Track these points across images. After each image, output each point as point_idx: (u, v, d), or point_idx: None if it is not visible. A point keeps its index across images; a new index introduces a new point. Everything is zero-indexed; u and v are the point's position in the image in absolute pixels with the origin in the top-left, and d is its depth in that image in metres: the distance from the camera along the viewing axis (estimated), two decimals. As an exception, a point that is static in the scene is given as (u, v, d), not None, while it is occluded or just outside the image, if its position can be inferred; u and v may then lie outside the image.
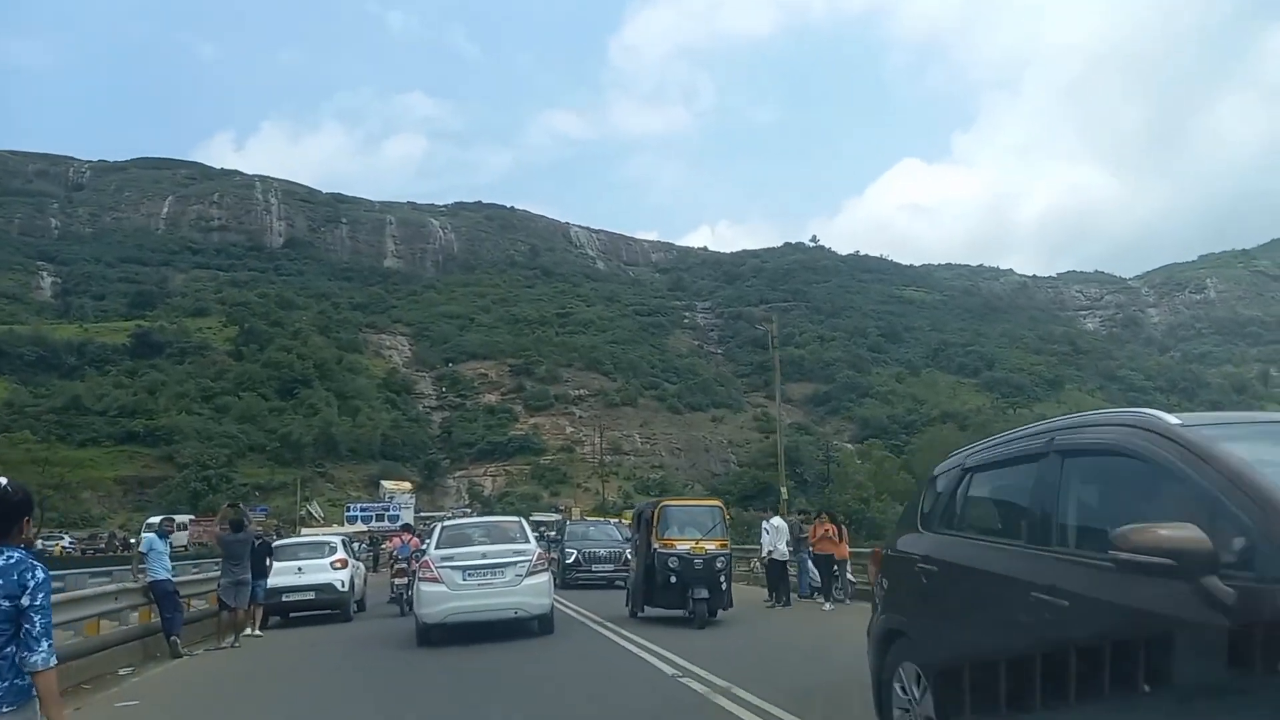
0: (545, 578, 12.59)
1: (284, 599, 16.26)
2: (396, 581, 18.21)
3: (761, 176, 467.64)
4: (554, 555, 22.89)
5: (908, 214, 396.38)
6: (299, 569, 16.52)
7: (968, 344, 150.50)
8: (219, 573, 14.27)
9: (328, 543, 18.26)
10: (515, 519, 14.84)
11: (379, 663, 11.36)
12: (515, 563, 12.14)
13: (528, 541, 12.88)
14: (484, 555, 12.20)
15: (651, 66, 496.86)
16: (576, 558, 22.71)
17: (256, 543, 14.63)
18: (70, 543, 49.72)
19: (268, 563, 14.85)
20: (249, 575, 13.64)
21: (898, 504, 42.86)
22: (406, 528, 23.76)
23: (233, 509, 15.24)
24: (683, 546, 13.51)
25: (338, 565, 16.91)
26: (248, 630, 14.13)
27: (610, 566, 22.40)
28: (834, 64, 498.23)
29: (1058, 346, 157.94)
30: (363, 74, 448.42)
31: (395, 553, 19.64)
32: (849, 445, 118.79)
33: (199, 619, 15.18)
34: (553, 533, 34.94)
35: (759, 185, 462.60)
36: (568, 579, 21.80)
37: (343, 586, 16.66)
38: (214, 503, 66.59)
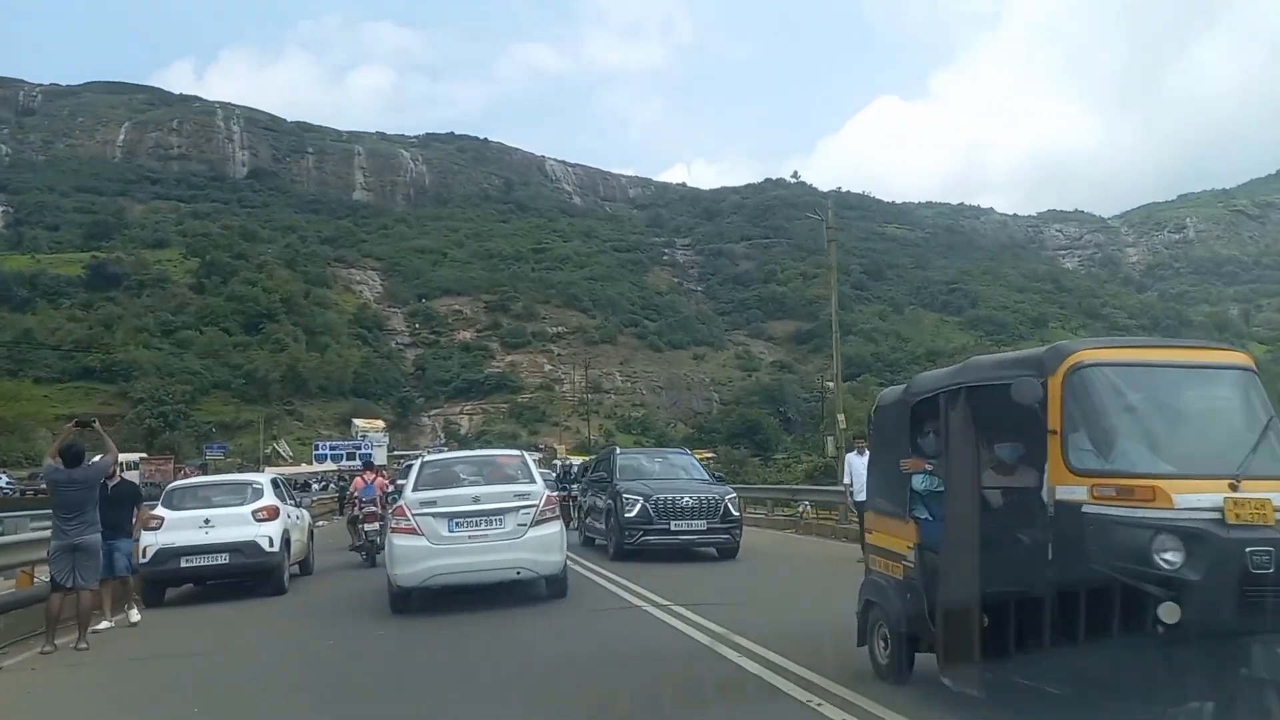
0: (556, 527, 9.93)
1: (182, 564, 11.44)
2: (366, 528, 15.53)
3: (738, 114, 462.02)
4: (564, 498, 17.02)
5: (886, 153, 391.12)
6: (206, 521, 11.70)
7: (951, 282, 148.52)
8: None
9: (250, 484, 13.21)
10: (516, 452, 11.92)
11: (325, 650, 8.40)
12: (517, 508, 9.57)
13: (533, 481, 10.17)
14: (476, 499, 9.57)
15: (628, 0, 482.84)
16: (644, 509, 13.81)
17: (112, 485, 9.83)
18: (7, 483, 45.99)
19: (134, 517, 10.28)
20: (97, 536, 8.78)
21: None
22: (369, 465, 19.46)
23: (80, 430, 9.98)
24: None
25: (263, 515, 11.94)
26: (105, 622, 9.50)
27: (702, 523, 13.88)
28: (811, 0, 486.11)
29: (1041, 285, 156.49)
30: (329, 1, 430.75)
31: (358, 495, 16.37)
32: (829, 384, 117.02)
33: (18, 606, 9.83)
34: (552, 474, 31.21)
35: (735, 123, 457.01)
36: (629, 543, 13.88)
37: (270, 545, 11.71)
38: (170, 440, 63.40)
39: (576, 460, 38.36)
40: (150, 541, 11.34)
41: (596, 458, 20.70)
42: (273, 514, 12.12)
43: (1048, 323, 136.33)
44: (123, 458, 47.72)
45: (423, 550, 9.24)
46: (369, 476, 17.08)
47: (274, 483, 13.57)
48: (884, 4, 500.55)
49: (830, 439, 22.09)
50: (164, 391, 69.64)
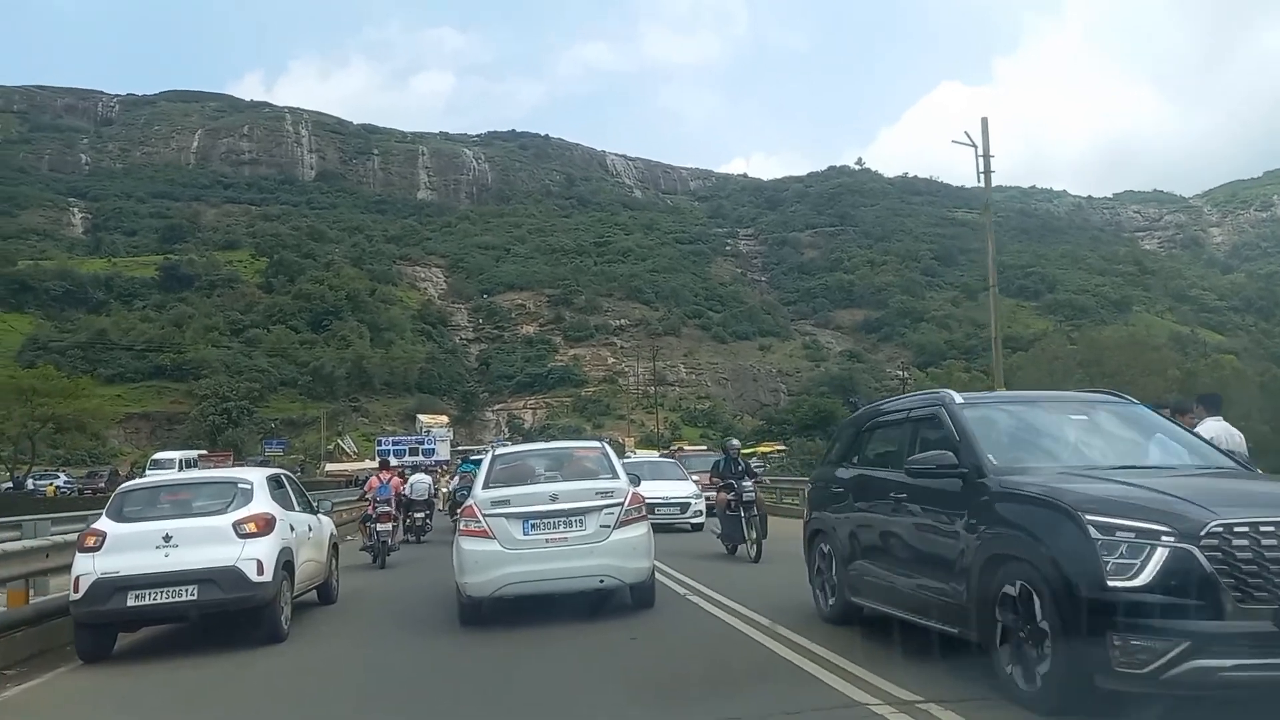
0: (643, 529, 8.89)
1: (130, 602, 7.82)
2: (378, 528, 14.69)
3: (796, 105, 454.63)
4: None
5: (950, 139, 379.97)
6: (166, 538, 8.06)
7: (1027, 266, 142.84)
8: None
9: (235, 483, 9.06)
10: (597, 444, 10.67)
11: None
12: (599, 508, 8.58)
13: (616, 476, 9.10)
14: (554, 498, 8.61)
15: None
16: None
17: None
18: (66, 481, 46.06)
19: None
20: None
21: None
22: (386, 464, 18.67)
23: None
24: None
25: (249, 529, 8.31)
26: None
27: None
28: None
29: (1122, 267, 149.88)
30: (389, 8, 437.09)
31: (372, 495, 15.63)
32: (901, 372, 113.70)
33: None
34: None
35: (793, 114, 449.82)
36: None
37: (259, 572, 8.13)
38: (234, 437, 63.65)
39: (645, 454, 36.34)
40: (85, 570, 7.83)
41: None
42: (264, 526, 8.36)
43: (1131, 306, 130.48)
44: (180, 455, 47.84)
45: (495, 556, 8.34)
46: (385, 475, 16.37)
47: (274, 480, 9.63)
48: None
49: None
50: (228, 388, 69.98)
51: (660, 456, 31.37)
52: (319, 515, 10.61)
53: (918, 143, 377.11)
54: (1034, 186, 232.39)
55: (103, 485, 43.72)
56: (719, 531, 13.61)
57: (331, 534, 11.03)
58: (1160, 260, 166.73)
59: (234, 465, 47.43)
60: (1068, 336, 64.66)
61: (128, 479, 48.83)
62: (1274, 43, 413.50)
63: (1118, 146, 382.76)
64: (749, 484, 13.23)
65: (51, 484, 42.81)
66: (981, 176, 21.85)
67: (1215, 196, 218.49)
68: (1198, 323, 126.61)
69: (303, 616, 9.51)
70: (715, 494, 14.25)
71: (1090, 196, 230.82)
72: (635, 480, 10.10)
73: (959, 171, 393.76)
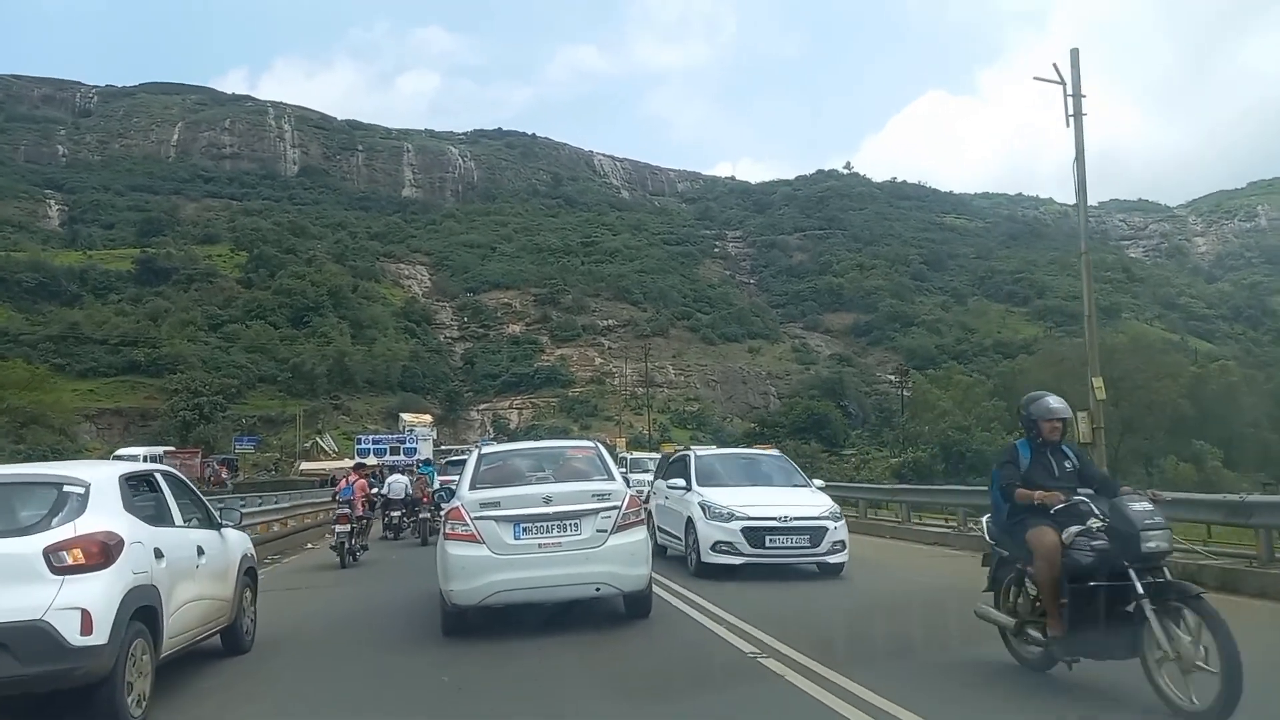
0: (641, 534, 8.43)
1: None
2: (338, 529, 14.88)
3: (784, 112, 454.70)
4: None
5: (934, 147, 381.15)
6: None
7: (1016, 271, 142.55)
8: None
9: (59, 486, 5.75)
10: (589, 443, 10.09)
11: None
12: (595, 511, 8.08)
13: (611, 478, 8.66)
14: (548, 500, 8.12)
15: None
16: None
17: None
18: None
19: None
20: None
21: (1005, 433, 36.57)
22: (360, 466, 19.04)
23: None
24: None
25: (73, 559, 5.34)
26: None
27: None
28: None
29: (1111, 274, 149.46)
30: (377, 8, 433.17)
31: (337, 495, 16.03)
32: (893, 376, 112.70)
33: None
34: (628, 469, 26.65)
35: (781, 121, 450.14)
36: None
37: (84, 631, 5.19)
38: (206, 434, 61.38)
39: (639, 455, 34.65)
40: None
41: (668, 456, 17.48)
42: (98, 555, 5.40)
43: (1120, 313, 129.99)
44: (144, 451, 45.69)
45: (484, 562, 7.84)
46: (352, 478, 16.63)
47: (135, 482, 6.50)
48: (926, 2, 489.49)
49: (1084, 416, 16.00)
50: (200, 383, 67.44)
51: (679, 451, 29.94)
52: (223, 530, 7.69)
53: (903, 150, 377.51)
54: (1020, 194, 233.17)
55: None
56: None
57: (245, 555, 8.10)
58: (1148, 268, 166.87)
59: (201, 463, 45.50)
60: (1071, 339, 63.57)
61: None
62: (1257, 55, 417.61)
63: (1103, 157, 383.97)
64: None
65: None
66: (1070, 120, 17.70)
67: (1200, 206, 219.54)
68: (1186, 330, 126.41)
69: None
70: None
71: (1076, 204, 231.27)
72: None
73: (942, 180, 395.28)
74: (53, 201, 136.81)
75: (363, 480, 16.84)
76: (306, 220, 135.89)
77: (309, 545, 19.30)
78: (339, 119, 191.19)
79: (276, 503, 22.58)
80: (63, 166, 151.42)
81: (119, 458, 46.02)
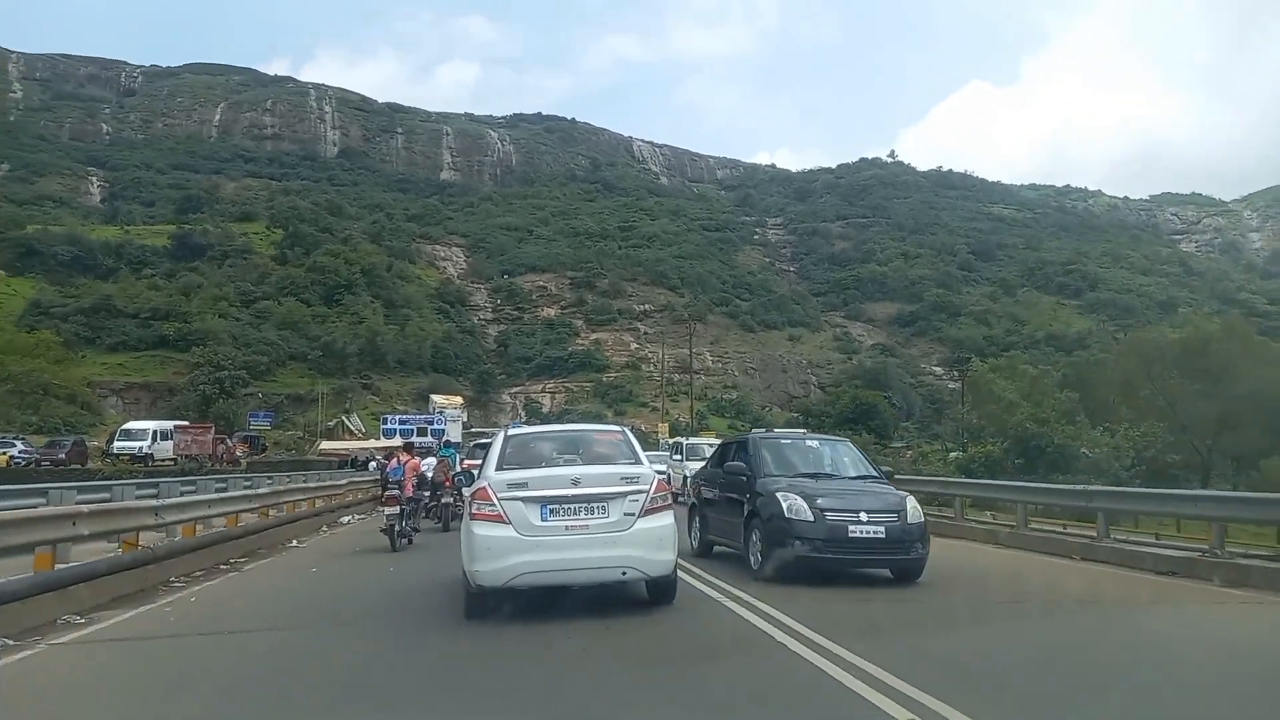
0: (668, 519, 8.24)
1: None
2: (386, 511, 14.45)
3: (822, 103, 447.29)
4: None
5: (978, 137, 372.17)
6: None
7: (1067, 263, 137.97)
8: None
9: None
10: (618, 428, 10.04)
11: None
12: (624, 494, 7.98)
13: (638, 462, 8.53)
14: (576, 481, 7.97)
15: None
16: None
17: None
18: (22, 451, 41.66)
19: None
20: None
21: (1096, 428, 33.74)
22: (408, 446, 17.50)
23: None
24: None
25: None
26: None
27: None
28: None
29: (1166, 267, 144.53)
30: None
31: (388, 474, 15.53)
32: (937, 368, 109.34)
33: None
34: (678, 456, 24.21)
35: (820, 112, 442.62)
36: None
37: None
38: (226, 409, 59.88)
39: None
40: None
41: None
42: None
43: (1177, 307, 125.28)
44: (154, 426, 44.14)
45: (510, 542, 7.77)
46: (402, 457, 15.93)
47: None
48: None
49: None
50: (222, 357, 65.76)
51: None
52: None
53: (944, 142, 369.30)
54: (1069, 185, 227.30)
55: (62, 456, 40.13)
56: None
57: None
58: (1206, 262, 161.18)
59: (214, 439, 43.91)
60: (1169, 326, 60.12)
61: (101, 449, 45.48)
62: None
63: (1151, 149, 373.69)
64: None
65: (4, 453, 39.13)
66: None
67: (1255, 201, 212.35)
68: (1251, 326, 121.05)
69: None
70: None
71: (1126, 197, 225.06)
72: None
73: (987, 170, 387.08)
74: (94, 178, 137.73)
75: (414, 460, 16.09)
76: (345, 201, 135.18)
77: (294, 542, 15.72)
78: (379, 101, 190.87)
79: (251, 487, 18.10)
80: (106, 144, 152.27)
81: (126, 433, 44.80)
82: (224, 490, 17.84)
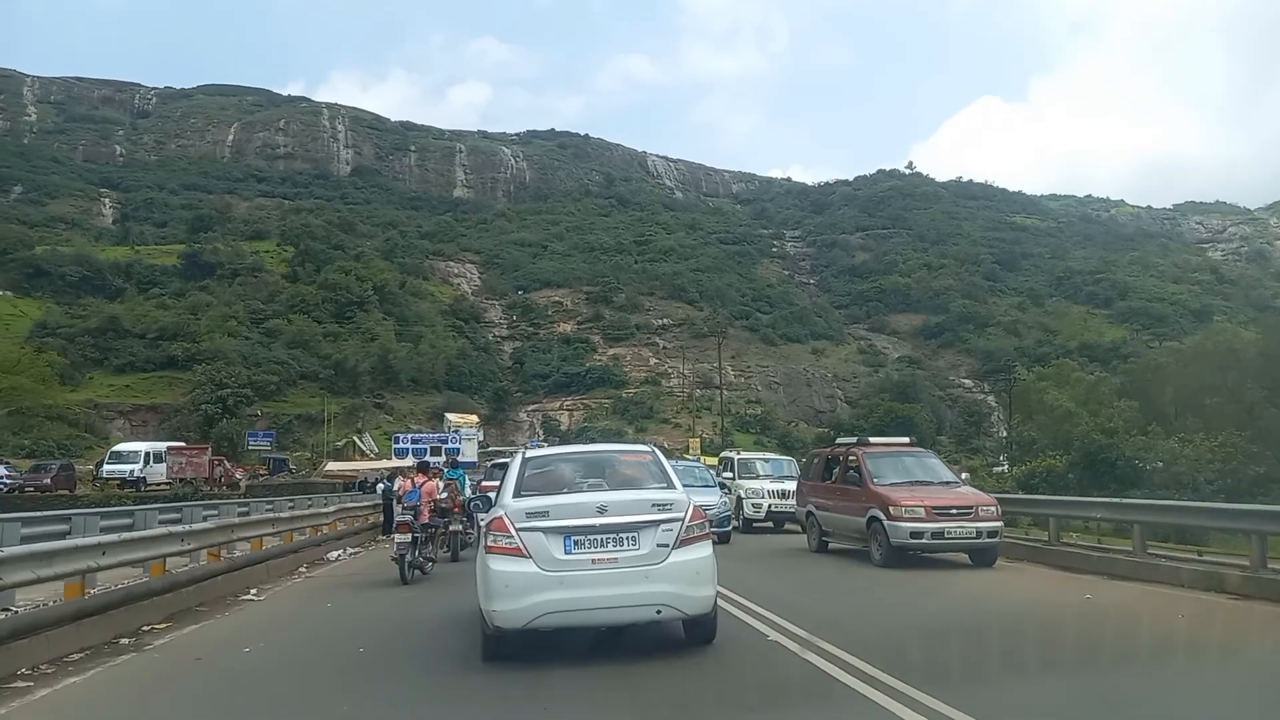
0: (706, 550, 7.33)
1: None
2: (397, 539, 13.21)
3: (833, 122, 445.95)
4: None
5: (994, 152, 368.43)
6: None
7: (1095, 272, 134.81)
8: None
9: None
10: (647, 448, 8.79)
11: None
12: (656, 523, 7.12)
13: (671, 486, 7.54)
14: (602, 509, 7.11)
15: (724, 7, 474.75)
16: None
17: None
18: (4, 475, 39.47)
19: None
20: None
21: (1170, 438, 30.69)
22: (424, 466, 15.90)
23: None
24: None
25: None
26: None
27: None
28: (905, 6, 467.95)
29: (1199, 275, 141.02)
30: (431, 21, 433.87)
31: (402, 498, 14.14)
32: (967, 380, 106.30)
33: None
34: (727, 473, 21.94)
35: (830, 131, 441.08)
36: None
37: None
38: (229, 429, 57.44)
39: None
40: None
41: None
42: None
43: (1212, 315, 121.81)
44: (146, 447, 41.63)
45: (530, 579, 6.97)
46: (418, 478, 14.64)
47: None
48: (977, 9, 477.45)
49: None
50: (225, 375, 63.28)
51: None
52: None
53: (956, 157, 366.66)
54: (1090, 195, 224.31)
55: (48, 481, 37.79)
56: None
57: None
58: (1238, 269, 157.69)
59: (211, 462, 41.34)
60: (1226, 333, 57.08)
61: (92, 474, 43.06)
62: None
63: (1172, 158, 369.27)
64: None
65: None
66: None
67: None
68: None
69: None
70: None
71: (1149, 206, 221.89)
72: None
73: (1005, 181, 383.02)
74: (107, 200, 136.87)
75: (431, 483, 14.73)
76: (357, 219, 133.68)
77: (252, 593, 11.85)
78: (392, 120, 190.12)
79: (199, 522, 12.96)
80: (119, 166, 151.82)
81: (116, 455, 42.43)
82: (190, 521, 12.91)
